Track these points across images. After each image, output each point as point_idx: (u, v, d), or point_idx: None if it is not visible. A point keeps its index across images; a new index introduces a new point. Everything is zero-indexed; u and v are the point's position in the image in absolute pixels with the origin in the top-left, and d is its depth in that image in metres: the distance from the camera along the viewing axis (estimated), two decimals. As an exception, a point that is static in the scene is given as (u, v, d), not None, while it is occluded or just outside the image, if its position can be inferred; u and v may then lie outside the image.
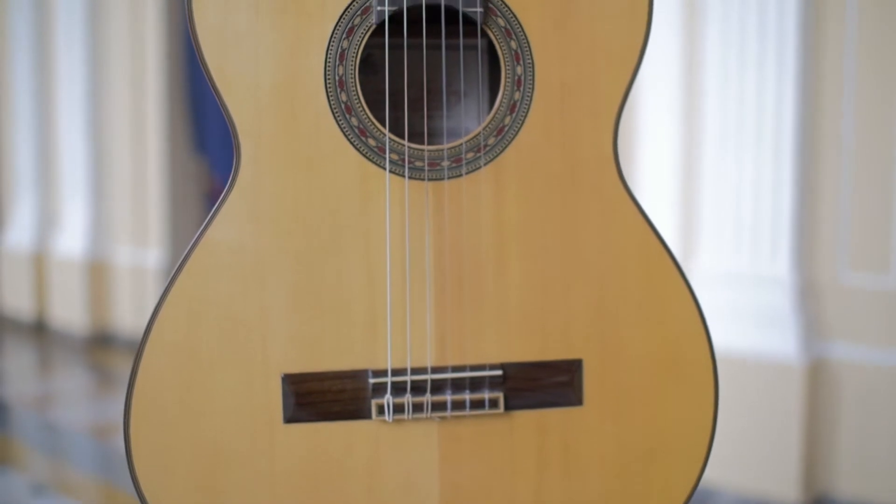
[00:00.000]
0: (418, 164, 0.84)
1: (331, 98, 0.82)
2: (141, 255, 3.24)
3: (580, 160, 0.86)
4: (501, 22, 0.84)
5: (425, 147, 0.84)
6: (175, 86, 3.16)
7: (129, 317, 3.25)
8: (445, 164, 0.84)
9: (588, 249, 0.87)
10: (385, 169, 0.83)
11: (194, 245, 0.82)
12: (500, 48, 0.84)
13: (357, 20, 0.83)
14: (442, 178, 0.84)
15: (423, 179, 0.84)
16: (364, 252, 0.84)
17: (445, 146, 0.84)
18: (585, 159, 0.86)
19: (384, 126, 0.84)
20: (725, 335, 1.86)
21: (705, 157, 1.92)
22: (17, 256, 3.63)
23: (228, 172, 0.83)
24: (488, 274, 0.85)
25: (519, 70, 0.85)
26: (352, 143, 0.83)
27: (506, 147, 0.85)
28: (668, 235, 1.99)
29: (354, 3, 0.83)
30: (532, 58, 0.85)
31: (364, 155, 0.83)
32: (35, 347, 3.35)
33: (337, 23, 0.82)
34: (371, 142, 0.83)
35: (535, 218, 0.86)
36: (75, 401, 2.63)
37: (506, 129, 0.85)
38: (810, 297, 1.84)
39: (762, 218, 1.86)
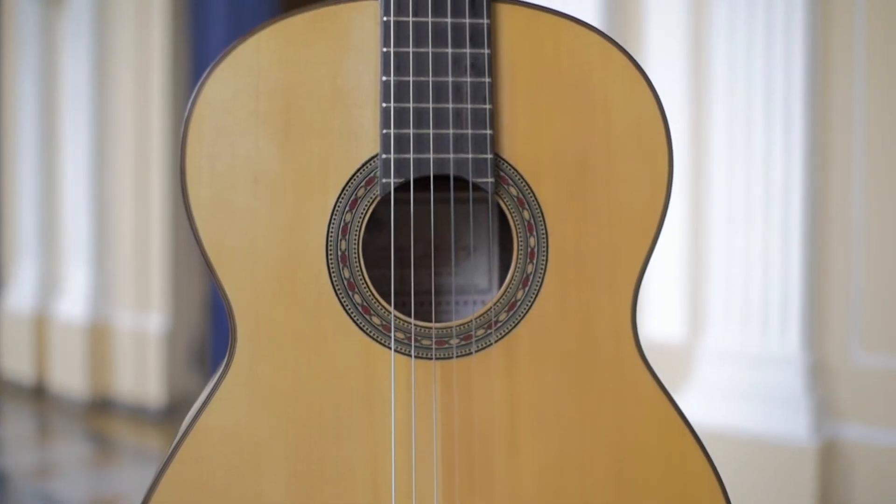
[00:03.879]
0: (425, 342, 0.79)
1: (333, 275, 0.78)
2: (143, 320, 3.19)
3: (596, 335, 0.81)
4: (513, 191, 0.80)
5: (433, 325, 0.79)
6: (179, 150, 3.13)
7: (129, 382, 3.20)
8: (454, 342, 0.79)
9: (605, 429, 0.82)
10: (390, 349, 0.79)
11: (187, 431, 0.77)
12: (513, 218, 0.80)
13: (361, 192, 0.78)
14: (451, 357, 0.79)
15: (431, 359, 0.79)
16: (367, 436, 0.79)
17: (454, 323, 0.79)
18: (602, 334, 0.81)
19: (389, 303, 0.79)
20: (735, 416, 1.83)
21: (713, 235, 1.89)
22: (17, 319, 3.59)
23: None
24: (500, 457, 0.80)
25: (532, 241, 0.80)
26: (355, 321, 0.78)
27: (518, 323, 0.80)
28: (676, 314, 1.96)
29: (358, 174, 0.78)
30: (546, 228, 0.80)
31: (368, 334, 0.79)
32: (34, 413, 3.30)
33: (340, 195, 0.78)
34: (375, 320, 0.79)
35: (548, 397, 0.81)
36: (74, 471, 2.58)
37: (518, 303, 0.80)
38: (821, 378, 1.80)
39: (771, 296, 1.82)
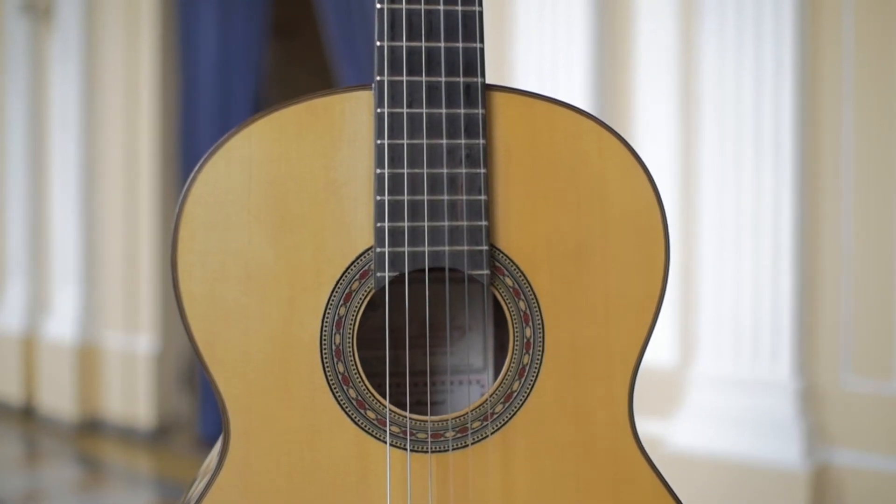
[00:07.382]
0: (421, 436, 0.78)
1: (327, 370, 0.77)
2: (132, 341, 3.18)
3: (593, 425, 0.81)
4: (509, 282, 0.79)
5: (429, 418, 0.78)
6: (169, 171, 3.12)
7: (119, 403, 3.19)
8: (450, 434, 0.79)
9: (602, 519, 0.81)
10: (386, 443, 0.78)
11: (181, 529, 0.76)
12: (508, 309, 0.79)
13: (355, 285, 0.77)
14: (447, 450, 0.79)
15: (427, 452, 0.78)
16: (363, 531, 0.78)
17: (450, 416, 0.79)
18: (599, 424, 0.81)
19: (384, 394, 0.79)
20: (726, 441, 1.83)
21: (703, 261, 1.89)
22: (6, 340, 3.57)
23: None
24: (496, 550, 0.80)
25: (528, 332, 0.79)
26: (349, 416, 0.78)
27: (514, 414, 0.80)
28: (667, 340, 1.95)
29: (353, 267, 0.77)
30: (542, 319, 0.80)
31: (363, 428, 0.78)
32: (23, 435, 3.29)
33: (333, 289, 0.77)
34: (370, 414, 0.78)
35: (546, 488, 0.80)
36: (63, 494, 2.57)
37: (514, 395, 0.79)
38: (812, 403, 1.81)
39: (762, 322, 1.82)
